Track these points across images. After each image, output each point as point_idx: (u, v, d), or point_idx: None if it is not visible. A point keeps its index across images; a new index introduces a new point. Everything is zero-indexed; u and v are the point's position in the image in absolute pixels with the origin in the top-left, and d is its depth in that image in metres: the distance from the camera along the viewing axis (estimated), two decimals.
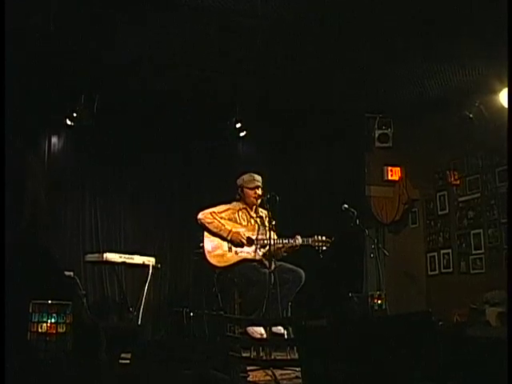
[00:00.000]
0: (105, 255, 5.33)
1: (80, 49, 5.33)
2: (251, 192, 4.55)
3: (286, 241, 4.44)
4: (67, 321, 3.62)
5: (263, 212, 4.63)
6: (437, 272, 7.03)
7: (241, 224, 4.52)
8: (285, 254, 4.50)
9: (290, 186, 7.00)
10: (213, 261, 4.40)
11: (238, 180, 4.63)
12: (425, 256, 7.23)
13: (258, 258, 4.42)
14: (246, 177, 4.60)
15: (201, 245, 4.51)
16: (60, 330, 3.33)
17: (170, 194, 6.93)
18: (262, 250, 4.46)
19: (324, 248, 4.45)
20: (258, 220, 4.60)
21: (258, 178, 4.62)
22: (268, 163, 6.84)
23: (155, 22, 4.99)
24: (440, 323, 4.64)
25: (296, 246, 4.41)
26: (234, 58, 5.62)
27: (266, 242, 4.37)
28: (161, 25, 5.03)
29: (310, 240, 4.45)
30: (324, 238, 4.48)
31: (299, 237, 4.45)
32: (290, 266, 4.39)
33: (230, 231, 4.40)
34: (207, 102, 6.49)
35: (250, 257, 4.42)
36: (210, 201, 4.79)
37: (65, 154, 6.51)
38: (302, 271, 4.37)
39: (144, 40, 5.27)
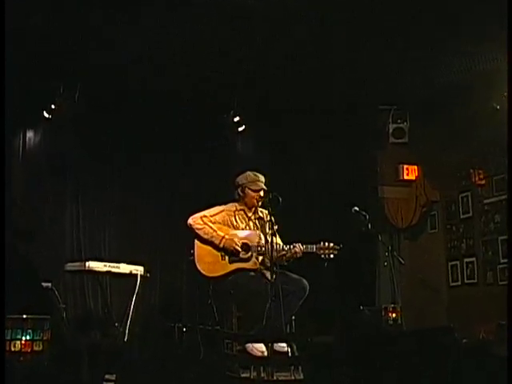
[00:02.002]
0: (87, 263, 5.30)
1: (66, 40, 5.43)
2: (254, 194, 4.50)
3: (287, 247, 4.40)
4: (44, 337, 3.60)
5: (263, 212, 4.60)
6: (459, 283, 7.00)
7: (237, 227, 4.51)
8: (285, 263, 4.45)
9: (293, 187, 7.00)
10: (203, 269, 4.36)
11: (240, 178, 4.57)
12: (446, 265, 7.20)
13: (255, 266, 4.40)
14: (249, 175, 4.54)
15: (191, 251, 4.48)
16: (36, 348, 3.31)
17: (161, 195, 6.93)
18: (261, 257, 4.44)
19: (331, 256, 4.38)
20: (257, 222, 4.56)
21: (263, 178, 4.52)
22: (269, 161, 6.83)
23: (149, 15, 5.08)
24: (464, 340, 4.61)
25: (297, 253, 4.39)
26: (232, 46, 5.66)
27: (264, 248, 4.35)
28: (155, 16, 5.11)
29: (314, 247, 4.40)
30: (331, 244, 4.42)
31: (298, 244, 4.40)
32: (292, 276, 4.31)
33: (223, 238, 4.36)
34: (203, 95, 6.53)
35: (246, 266, 4.39)
36: (206, 203, 4.77)
37: (42, 150, 6.50)
38: (305, 281, 4.30)
39: (134, 32, 5.36)
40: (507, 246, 6.10)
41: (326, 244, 4.42)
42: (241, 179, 4.57)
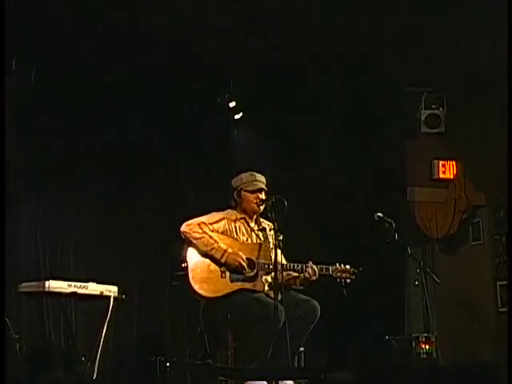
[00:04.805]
0: (47, 283, 5.29)
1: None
2: (252, 197, 4.54)
3: (299, 267, 4.44)
4: None
5: (266, 223, 4.65)
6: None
7: (238, 239, 4.54)
8: (301, 287, 4.51)
9: (301, 189, 7.00)
10: (199, 288, 4.36)
11: (234, 180, 4.65)
12: (493, 285, 7.17)
13: (260, 287, 4.43)
14: (244, 176, 4.62)
15: (183, 265, 4.49)
16: None
17: (140, 199, 6.93)
18: (266, 276, 4.47)
19: (348, 281, 4.45)
20: (261, 234, 4.60)
21: (261, 177, 4.61)
22: (271, 157, 6.85)
23: None
24: None
25: (311, 275, 4.42)
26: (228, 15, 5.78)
27: (271, 266, 4.36)
28: None
29: (330, 269, 4.48)
30: (348, 266, 4.48)
31: (310, 264, 4.43)
32: (300, 296, 4.38)
33: (226, 251, 4.39)
34: (190, 74, 6.56)
35: (249, 286, 4.41)
36: (195, 208, 4.78)
37: None
38: (315, 302, 4.35)
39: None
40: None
41: (343, 266, 4.47)
42: (236, 181, 4.64)
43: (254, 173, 4.63)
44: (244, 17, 5.85)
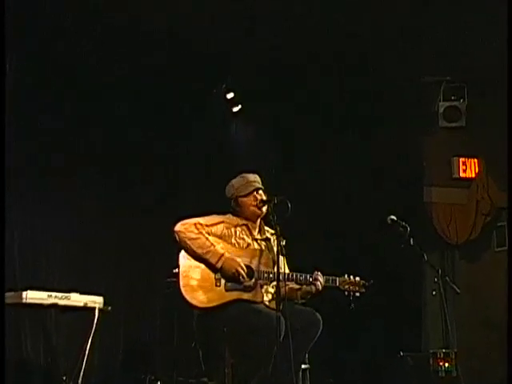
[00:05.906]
0: (24, 294, 5.27)
1: None
2: (249, 200, 4.53)
3: (302, 277, 4.42)
4: None
5: (271, 232, 4.62)
6: None
7: (236, 245, 4.51)
8: (302, 301, 4.50)
9: (306, 189, 6.99)
10: (191, 297, 4.31)
11: (228, 189, 4.66)
12: None
13: (259, 298, 4.41)
14: (236, 182, 4.63)
15: (175, 271, 4.46)
16: None
17: (128, 201, 6.94)
18: (267, 286, 4.45)
19: (357, 294, 4.45)
20: (263, 244, 4.59)
21: (254, 177, 4.61)
22: (272, 154, 6.85)
23: None
24: None
25: (317, 288, 4.41)
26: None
27: (272, 276, 4.36)
28: None
29: (337, 280, 4.47)
30: (358, 278, 4.48)
31: (319, 274, 4.43)
32: (301, 307, 4.36)
33: (222, 256, 4.35)
34: (185, 63, 6.68)
35: (247, 296, 4.38)
36: (190, 210, 4.78)
37: None
38: (317, 314, 4.31)
39: None
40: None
41: (352, 278, 4.47)
42: (228, 191, 4.64)
43: (244, 175, 4.63)
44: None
